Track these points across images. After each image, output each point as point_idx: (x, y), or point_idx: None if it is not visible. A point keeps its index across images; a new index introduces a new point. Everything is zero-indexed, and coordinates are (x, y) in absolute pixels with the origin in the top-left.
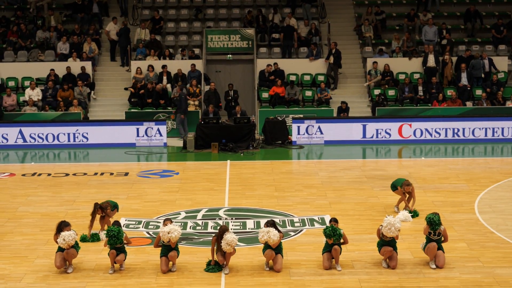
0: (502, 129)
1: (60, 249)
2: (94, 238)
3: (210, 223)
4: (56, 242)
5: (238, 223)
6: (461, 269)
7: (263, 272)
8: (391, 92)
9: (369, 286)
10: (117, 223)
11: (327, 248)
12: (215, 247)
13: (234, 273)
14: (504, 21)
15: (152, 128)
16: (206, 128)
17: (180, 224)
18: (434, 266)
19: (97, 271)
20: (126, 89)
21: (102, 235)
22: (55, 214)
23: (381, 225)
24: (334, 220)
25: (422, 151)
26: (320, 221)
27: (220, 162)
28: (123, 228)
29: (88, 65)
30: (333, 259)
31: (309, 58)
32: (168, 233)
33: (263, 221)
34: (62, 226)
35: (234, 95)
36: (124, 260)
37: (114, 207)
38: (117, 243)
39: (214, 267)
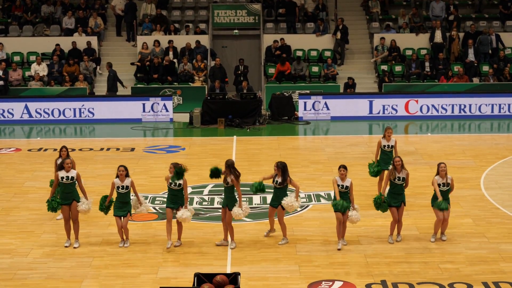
0: (509, 105)
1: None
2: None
3: (217, 199)
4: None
5: (245, 199)
6: (466, 244)
7: (269, 247)
8: (398, 68)
9: (375, 261)
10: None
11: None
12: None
13: (240, 248)
14: None
15: (158, 103)
16: (213, 104)
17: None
18: (433, 240)
19: (104, 245)
20: (132, 64)
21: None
22: None
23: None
24: (343, 167)
25: (429, 127)
26: (326, 196)
27: (227, 137)
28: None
29: (94, 40)
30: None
31: (316, 33)
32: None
33: (269, 197)
34: (63, 164)
35: (244, 70)
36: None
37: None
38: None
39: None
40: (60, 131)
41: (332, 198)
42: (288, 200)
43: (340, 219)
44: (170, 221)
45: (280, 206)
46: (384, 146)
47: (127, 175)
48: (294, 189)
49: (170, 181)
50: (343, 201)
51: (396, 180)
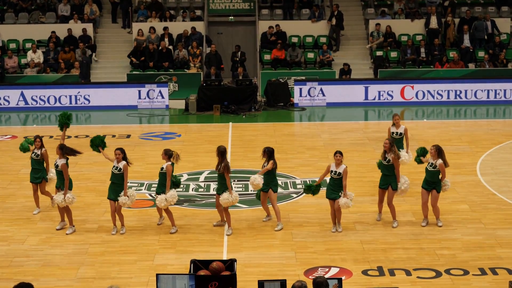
0: (505, 91)
1: None
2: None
3: (213, 185)
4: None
5: (241, 185)
6: (463, 230)
7: (265, 234)
8: (393, 54)
9: (371, 247)
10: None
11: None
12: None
13: (236, 235)
14: None
15: (154, 90)
16: (208, 90)
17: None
18: (424, 224)
19: (100, 232)
20: (129, 56)
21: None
22: None
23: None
24: (339, 153)
25: (425, 113)
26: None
27: (222, 124)
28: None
29: (89, 27)
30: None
31: (311, 19)
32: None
33: None
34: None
35: (241, 57)
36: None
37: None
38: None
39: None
40: (56, 118)
41: (327, 184)
42: (253, 178)
43: (332, 205)
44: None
45: (270, 190)
46: (393, 133)
47: (124, 158)
48: (285, 174)
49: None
50: (312, 185)
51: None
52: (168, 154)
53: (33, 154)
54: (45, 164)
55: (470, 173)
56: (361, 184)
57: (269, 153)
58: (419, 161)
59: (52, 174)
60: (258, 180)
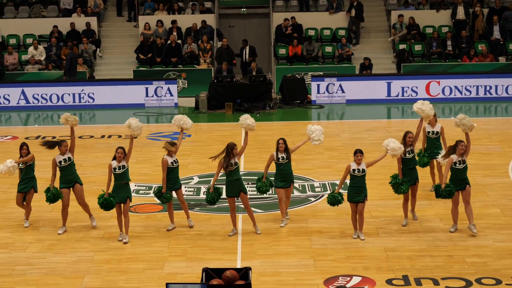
0: None
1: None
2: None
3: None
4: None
5: (255, 188)
6: (494, 236)
7: (282, 240)
8: (418, 47)
9: (396, 255)
10: None
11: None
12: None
13: (251, 241)
14: None
15: (162, 87)
16: (220, 87)
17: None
18: (453, 230)
19: (106, 239)
20: (136, 52)
21: None
22: None
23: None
24: (359, 152)
25: (452, 110)
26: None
27: (235, 123)
28: (133, 194)
29: (93, 21)
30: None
31: (329, 11)
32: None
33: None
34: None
35: (250, 54)
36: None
37: None
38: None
39: (213, 194)
40: (59, 118)
41: (347, 186)
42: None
43: (354, 209)
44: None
45: (292, 184)
46: (429, 132)
47: (125, 158)
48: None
49: None
50: (338, 195)
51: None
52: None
53: (21, 165)
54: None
55: (501, 174)
56: (384, 187)
57: (284, 144)
58: (423, 165)
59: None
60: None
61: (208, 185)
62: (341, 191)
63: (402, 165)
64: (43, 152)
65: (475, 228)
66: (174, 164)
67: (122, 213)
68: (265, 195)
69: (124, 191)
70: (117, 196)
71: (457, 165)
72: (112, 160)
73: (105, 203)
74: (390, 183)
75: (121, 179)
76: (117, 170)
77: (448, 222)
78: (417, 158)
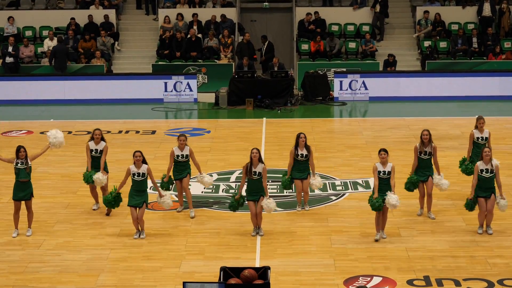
0: None
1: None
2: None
3: (244, 187)
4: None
5: (275, 186)
6: None
7: (302, 239)
8: (443, 44)
9: (417, 255)
10: None
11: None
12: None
13: (270, 240)
14: None
15: (181, 82)
16: (240, 83)
17: None
18: (480, 232)
19: (122, 237)
20: (158, 52)
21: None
22: (76, 175)
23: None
24: (384, 151)
25: (477, 109)
26: (364, 184)
27: (255, 119)
28: (149, 191)
29: (111, 13)
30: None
31: (353, 6)
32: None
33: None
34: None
35: (267, 48)
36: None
37: None
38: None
39: (237, 202)
40: (75, 112)
41: (371, 190)
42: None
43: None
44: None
45: (309, 176)
46: (478, 138)
47: (143, 162)
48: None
49: None
50: (380, 199)
51: (484, 172)
52: None
53: (19, 164)
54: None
55: None
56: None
57: (305, 138)
58: (468, 172)
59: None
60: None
61: (236, 183)
62: (362, 190)
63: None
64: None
65: (490, 229)
66: (180, 158)
67: (137, 218)
68: (285, 192)
69: (142, 196)
70: (134, 201)
71: (483, 173)
72: (132, 165)
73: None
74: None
75: (139, 187)
76: (136, 176)
77: (472, 223)
78: (460, 166)
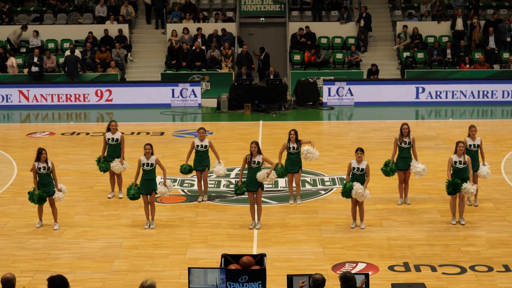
0: None
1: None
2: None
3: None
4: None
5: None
6: (487, 227)
7: (294, 229)
8: (420, 55)
9: (397, 243)
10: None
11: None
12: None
13: (265, 230)
14: None
15: (187, 89)
16: (239, 90)
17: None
18: (454, 222)
19: (134, 227)
20: (167, 63)
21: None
22: (93, 172)
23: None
24: (360, 150)
25: (451, 113)
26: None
27: (253, 122)
28: (158, 187)
29: (125, 28)
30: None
31: (340, 21)
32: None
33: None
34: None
35: (264, 58)
36: None
37: None
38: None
39: (241, 187)
40: (92, 116)
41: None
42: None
43: (353, 202)
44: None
45: (300, 170)
46: (470, 145)
47: (152, 153)
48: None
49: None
50: (351, 184)
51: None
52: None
53: (41, 169)
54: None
55: (494, 171)
56: (389, 181)
57: (295, 134)
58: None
59: (60, 189)
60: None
61: (235, 179)
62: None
63: (397, 153)
64: (78, 147)
65: (463, 221)
66: (200, 148)
67: (148, 203)
68: (279, 188)
69: (151, 184)
70: (143, 188)
71: (457, 164)
72: (142, 156)
73: (133, 196)
74: (382, 169)
75: (148, 176)
76: (145, 166)
77: (446, 214)
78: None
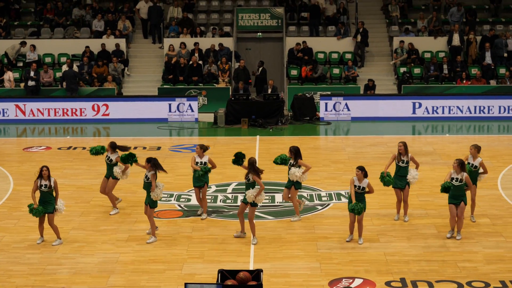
0: None
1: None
2: None
3: (240, 197)
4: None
5: (267, 197)
6: (484, 243)
7: (291, 245)
8: (417, 70)
9: (394, 259)
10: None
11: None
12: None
13: (262, 245)
14: None
15: (184, 103)
16: (236, 104)
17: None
18: (449, 235)
19: (130, 242)
20: (163, 78)
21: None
22: (89, 187)
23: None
24: (359, 168)
25: (448, 128)
26: (347, 195)
27: (250, 137)
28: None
29: (122, 42)
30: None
31: (337, 36)
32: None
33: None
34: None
35: (261, 74)
36: None
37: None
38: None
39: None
40: (89, 130)
41: (348, 199)
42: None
43: (352, 217)
44: None
45: (293, 187)
46: (469, 163)
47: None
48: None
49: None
50: (359, 204)
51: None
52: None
53: (43, 187)
54: (54, 194)
55: (491, 187)
56: (385, 197)
57: (295, 152)
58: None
59: (60, 205)
60: (297, 173)
61: (232, 194)
62: (345, 200)
63: (395, 171)
64: (74, 162)
65: (459, 236)
66: (199, 164)
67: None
68: (276, 203)
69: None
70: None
71: (453, 181)
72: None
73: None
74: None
75: (147, 188)
76: (145, 179)
77: (443, 230)
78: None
